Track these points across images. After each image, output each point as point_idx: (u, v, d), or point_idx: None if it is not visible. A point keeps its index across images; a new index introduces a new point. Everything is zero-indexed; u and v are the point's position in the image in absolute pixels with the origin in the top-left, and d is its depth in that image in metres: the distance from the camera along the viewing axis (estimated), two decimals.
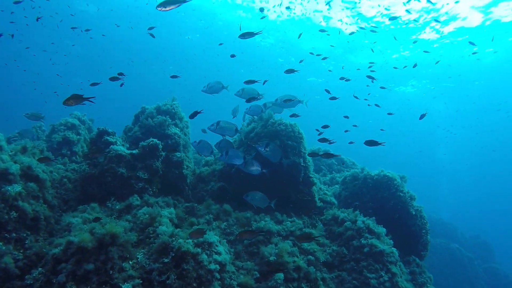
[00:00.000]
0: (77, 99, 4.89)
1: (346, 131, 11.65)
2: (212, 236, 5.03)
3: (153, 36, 13.85)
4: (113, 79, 7.08)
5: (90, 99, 4.89)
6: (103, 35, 25.41)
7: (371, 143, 5.64)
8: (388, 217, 8.09)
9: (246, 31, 6.94)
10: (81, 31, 17.61)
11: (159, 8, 5.11)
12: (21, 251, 4.99)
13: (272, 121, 7.85)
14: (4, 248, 4.81)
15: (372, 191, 8.62)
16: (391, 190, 8.37)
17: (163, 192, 7.22)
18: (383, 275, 6.23)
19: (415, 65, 15.86)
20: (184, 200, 7.60)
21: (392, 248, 6.69)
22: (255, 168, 6.89)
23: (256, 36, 7.09)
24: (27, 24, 21.95)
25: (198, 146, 7.39)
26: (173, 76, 8.82)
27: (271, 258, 5.47)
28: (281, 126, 7.72)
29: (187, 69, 35.11)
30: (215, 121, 7.80)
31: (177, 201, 7.31)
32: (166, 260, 4.52)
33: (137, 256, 4.74)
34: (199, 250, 4.67)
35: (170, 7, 5.31)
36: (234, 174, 7.79)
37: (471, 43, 18.22)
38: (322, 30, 18.42)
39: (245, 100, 8.16)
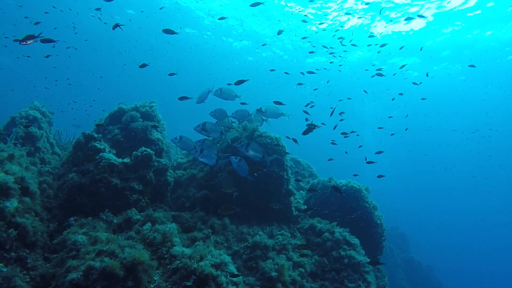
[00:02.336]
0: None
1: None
2: (225, 256, 5.22)
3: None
4: None
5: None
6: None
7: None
8: (354, 225, 8.86)
9: None
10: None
11: None
12: (24, 272, 4.74)
13: (258, 133, 8.09)
14: (5, 269, 4.53)
15: (340, 201, 9.33)
16: (358, 201, 9.15)
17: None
18: (361, 284, 6.94)
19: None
20: (168, 208, 7.59)
21: (367, 258, 7.44)
22: (243, 170, 7.15)
23: None
24: None
25: (180, 143, 7.44)
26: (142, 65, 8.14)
27: (273, 274, 5.82)
28: (267, 139, 8.01)
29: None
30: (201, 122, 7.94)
31: (161, 208, 7.29)
32: (188, 284, 4.62)
33: (154, 278, 4.78)
34: (219, 272, 4.85)
35: None
36: (218, 183, 7.92)
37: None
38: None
39: (223, 99, 8.37)
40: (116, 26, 7.29)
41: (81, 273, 4.34)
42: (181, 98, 7.54)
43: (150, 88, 43.15)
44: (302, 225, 8.23)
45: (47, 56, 8.70)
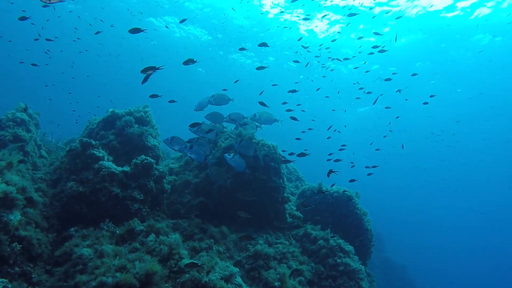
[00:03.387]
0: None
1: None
2: (233, 268, 5.25)
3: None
4: None
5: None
6: None
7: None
8: (345, 231, 9.06)
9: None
10: None
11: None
12: (29, 287, 4.61)
13: (255, 141, 8.14)
14: (10, 285, 4.40)
15: (331, 207, 9.51)
16: (349, 208, 9.37)
17: None
18: None
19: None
20: (165, 215, 7.53)
21: (361, 265, 7.65)
22: (239, 165, 7.23)
23: None
24: None
25: (171, 143, 7.48)
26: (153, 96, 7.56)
27: (276, 284, 5.91)
28: (264, 147, 8.07)
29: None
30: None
31: (159, 216, 7.23)
32: None
33: None
34: (229, 285, 4.88)
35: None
36: (215, 190, 7.92)
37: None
38: None
39: (217, 105, 8.45)
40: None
41: None
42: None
43: (136, 91, 42.43)
44: (297, 232, 8.35)
45: (34, 64, 8.38)
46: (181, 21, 10.85)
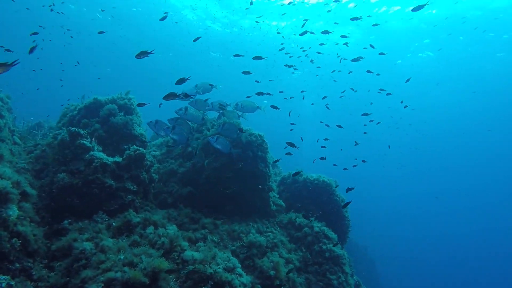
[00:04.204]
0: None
1: None
2: (234, 259, 5.40)
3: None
4: None
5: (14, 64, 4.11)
6: None
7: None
8: (325, 218, 9.44)
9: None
10: None
11: None
12: (32, 284, 4.51)
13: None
14: (13, 282, 4.29)
15: (312, 194, 9.83)
16: (329, 196, 9.74)
17: None
18: (341, 275, 7.53)
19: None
20: (154, 205, 7.50)
21: (344, 251, 8.05)
22: (224, 146, 7.40)
23: None
24: None
25: (156, 127, 7.53)
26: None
27: (271, 273, 6.13)
28: (252, 137, 8.17)
29: None
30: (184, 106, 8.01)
31: (148, 206, 7.20)
32: None
33: (170, 284, 4.82)
34: (233, 276, 5.02)
35: None
36: (203, 179, 7.96)
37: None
38: None
39: (201, 93, 8.53)
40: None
41: (102, 284, 4.27)
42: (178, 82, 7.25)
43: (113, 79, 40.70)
44: (281, 219, 8.59)
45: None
46: None
